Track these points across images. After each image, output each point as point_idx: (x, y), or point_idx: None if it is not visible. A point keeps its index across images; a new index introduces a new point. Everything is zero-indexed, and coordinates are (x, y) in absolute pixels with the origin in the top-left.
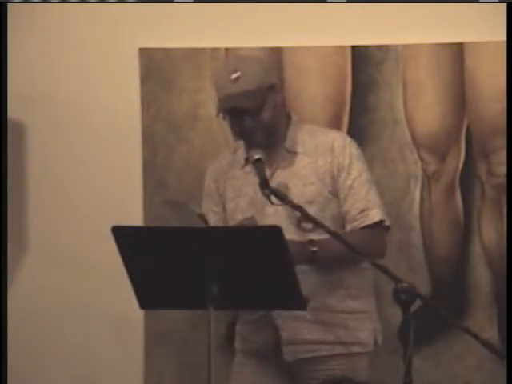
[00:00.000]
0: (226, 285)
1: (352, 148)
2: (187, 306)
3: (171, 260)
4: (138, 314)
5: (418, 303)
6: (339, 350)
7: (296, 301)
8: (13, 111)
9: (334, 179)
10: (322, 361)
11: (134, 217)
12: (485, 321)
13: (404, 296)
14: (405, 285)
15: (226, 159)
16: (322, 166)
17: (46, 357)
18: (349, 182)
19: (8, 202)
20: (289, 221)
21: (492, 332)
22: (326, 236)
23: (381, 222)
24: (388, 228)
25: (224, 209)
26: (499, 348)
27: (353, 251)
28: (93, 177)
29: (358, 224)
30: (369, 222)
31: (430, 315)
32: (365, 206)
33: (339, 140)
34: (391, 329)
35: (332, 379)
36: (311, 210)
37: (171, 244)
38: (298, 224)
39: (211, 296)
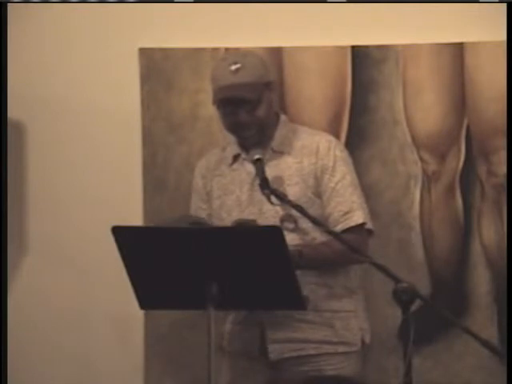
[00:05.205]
0: (226, 285)
1: (336, 150)
2: (187, 306)
3: (171, 260)
4: (138, 314)
5: (418, 303)
6: (326, 349)
7: (296, 301)
8: (13, 111)
9: (318, 181)
10: (309, 360)
11: (134, 217)
12: (485, 321)
13: (404, 296)
14: (405, 285)
15: (214, 156)
16: (307, 166)
17: (46, 357)
18: (332, 185)
19: (8, 202)
20: (272, 221)
21: (492, 332)
22: (307, 237)
23: (364, 224)
24: (371, 232)
25: (211, 206)
26: (499, 348)
27: (352, 250)
28: (93, 177)
29: (342, 226)
30: (352, 223)
31: (429, 315)
32: (348, 208)
33: (324, 142)
34: (391, 329)
35: (320, 378)
36: (294, 211)
37: (171, 244)
38: (281, 224)
39: (211, 296)
